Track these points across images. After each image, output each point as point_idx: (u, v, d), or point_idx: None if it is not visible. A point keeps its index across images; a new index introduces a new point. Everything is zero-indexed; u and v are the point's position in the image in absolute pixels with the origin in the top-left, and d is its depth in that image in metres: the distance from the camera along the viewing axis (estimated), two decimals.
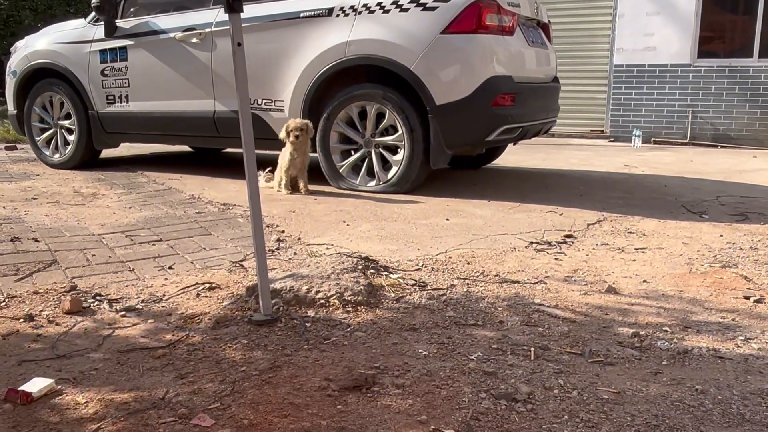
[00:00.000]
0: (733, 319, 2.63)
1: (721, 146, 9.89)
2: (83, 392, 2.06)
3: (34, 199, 5.09)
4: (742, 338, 2.43)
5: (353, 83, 5.28)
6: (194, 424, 1.84)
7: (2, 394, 2.03)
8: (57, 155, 6.82)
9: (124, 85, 6.22)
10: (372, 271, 3.02)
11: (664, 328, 2.52)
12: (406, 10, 4.98)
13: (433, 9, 4.91)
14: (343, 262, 3.00)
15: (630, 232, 4.12)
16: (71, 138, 6.65)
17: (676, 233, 4.12)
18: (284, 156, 5.14)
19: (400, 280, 2.95)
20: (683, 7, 10.02)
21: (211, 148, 7.75)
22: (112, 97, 6.30)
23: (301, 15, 5.30)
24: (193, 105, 5.87)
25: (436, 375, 2.09)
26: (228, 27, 2.48)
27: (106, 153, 7.11)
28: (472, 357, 2.22)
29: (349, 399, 1.94)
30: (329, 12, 5.21)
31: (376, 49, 5.04)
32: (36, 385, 2.05)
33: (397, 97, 5.04)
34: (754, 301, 2.83)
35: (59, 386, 2.09)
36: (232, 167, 6.68)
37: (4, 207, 4.67)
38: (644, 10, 10.25)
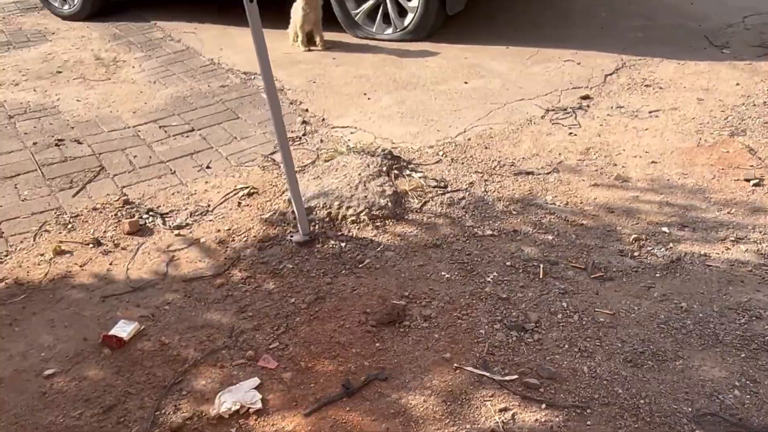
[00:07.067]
0: (729, 212, 2.87)
1: None
2: (164, 331, 2.47)
3: (59, 72, 5.19)
4: (733, 238, 2.70)
5: None
6: (261, 366, 2.26)
7: (99, 335, 2.45)
8: (66, 6, 6.70)
9: None
10: (396, 171, 3.25)
11: (662, 229, 2.78)
12: None
13: None
14: (369, 165, 3.23)
15: (647, 85, 4.18)
16: None
17: (693, 83, 4.17)
18: (297, 11, 5.06)
19: (422, 181, 3.19)
20: None
21: None
22: None
23: None
24: None
25: (457, 303, 2.44)
26: None
27: None
28: (489, 279, 2.55)
29: (385, 335, 2.32)
30: None
31: None
32: (125, 329, 2.47)
33: None
34: (753, 185, 3.03)
35: (142, 326, 2.50)
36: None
37: (35, 90, 4.82)
38: None
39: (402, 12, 5.16)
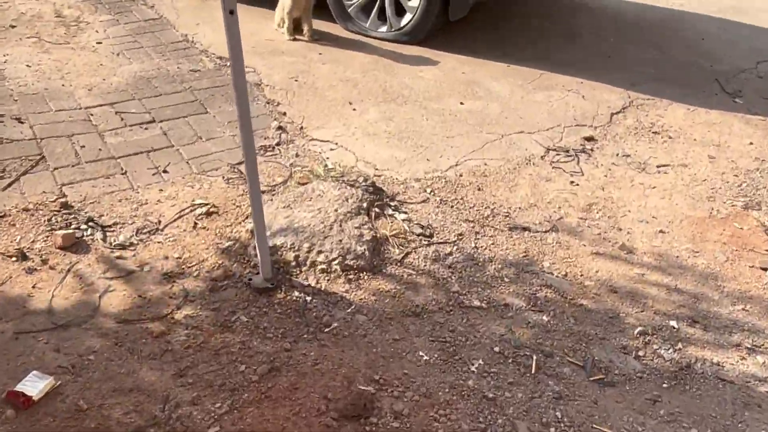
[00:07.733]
0: (744, 308, 2.57)
1: None
2: (83, 392, 2.06)
3: (12, 27, 4.64)
4: (748, 345, 2.40)
5: None
6: None
7: (3, 390, 2.03)
8: None
9: None
10: (377, 209, 2.87)
11: (671, 323, 2.47)
12: None
13: None
14: (347, 199, 2.84)
15: (655, 132, 3.86)
16: None
17: (704, 135, 3.86)
18: None
19: (405, 226, 2.82)
20: None
21: None
22: None
23: None
24: None
25: (435, 397, 2.08)
26: None
27: None
28: (473, 368, 2.20)
29: None
30: None
31: None
32: (36, 385, 2.05)
33: None
34: None
35: (59, 382, 2.09)
36: None
37: None
38: None
39: (400, 11, 4.74)
